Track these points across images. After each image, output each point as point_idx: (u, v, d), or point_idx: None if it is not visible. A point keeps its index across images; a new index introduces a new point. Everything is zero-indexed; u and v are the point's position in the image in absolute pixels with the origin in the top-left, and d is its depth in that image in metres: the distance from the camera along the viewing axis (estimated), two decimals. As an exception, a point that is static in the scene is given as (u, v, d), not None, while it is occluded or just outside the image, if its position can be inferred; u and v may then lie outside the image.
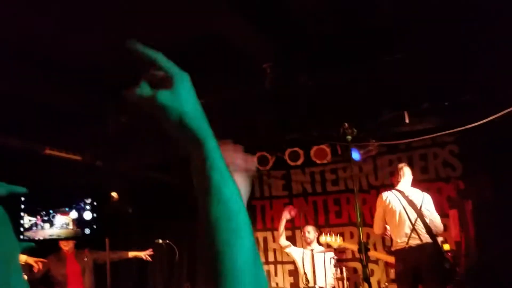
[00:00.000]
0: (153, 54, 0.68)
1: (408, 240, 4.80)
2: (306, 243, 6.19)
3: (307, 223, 6.64)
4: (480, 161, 5.68)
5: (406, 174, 5.14)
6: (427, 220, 4.88)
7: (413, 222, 4.84)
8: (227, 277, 0.65)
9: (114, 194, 4.57)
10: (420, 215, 4.86)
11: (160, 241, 5.72)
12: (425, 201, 4.98)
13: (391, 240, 5.17)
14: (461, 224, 5.62)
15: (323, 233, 5.97)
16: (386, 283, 5.75)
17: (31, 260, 4.83)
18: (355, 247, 6.04)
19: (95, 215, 0.66)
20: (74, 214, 0.66)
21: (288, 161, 6.43)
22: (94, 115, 4.98)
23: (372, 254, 5.97)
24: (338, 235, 6.03)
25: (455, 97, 5.18)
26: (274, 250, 7.23)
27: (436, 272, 4.62)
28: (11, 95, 4.16)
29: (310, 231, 6.19)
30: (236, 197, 0.71)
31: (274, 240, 7.30)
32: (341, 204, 7.02)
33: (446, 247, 5.08)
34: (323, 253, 5.98)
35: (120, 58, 4.00)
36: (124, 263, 6.37)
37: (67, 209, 0.67)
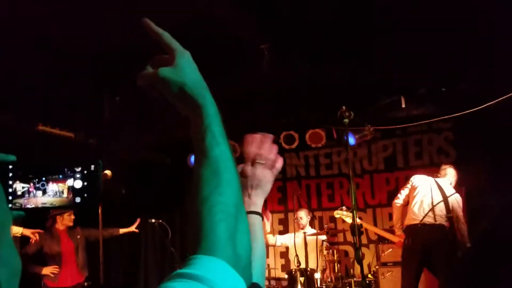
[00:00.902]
0: (161, 31, 0.78)
1: (423, 218, 4.79)
2: (299, 228, 6.22)
3: (300, 206, 6.66)
4: (475, 148, 5.70)
5: (449, 175, 5.13)
6: (450, 207, 4.87)
7: (434, 203, 4.83)
8: (203, 233, 0.66)
9: (107, 172, 4.52)
10: (445, 200, 4.85)
11: (153, 220, 5.69)
12: (454, 196, 4.97)
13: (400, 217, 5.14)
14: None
15: (339, 208, 5.94)
16: (377, 266, 5.81)
17: (27, 231, 4.75)
18: (367, 226, 6.02)
19: (85, 183, 0.65)
20: (69, 182, 0.65)
21: (283, 145, 6.41)
22: (90, 95, 4.92)
23: (369, 228, 5.97)
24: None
25: (452, 83, 5.17)
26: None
27: (448, 261, 4.59)
28: (8, 72, 4.10)
29: (303, 217, 6.22)
30: (225, 156, 0.73)
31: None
32: (334, 188, 7.04)
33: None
34: (315, 236, 6.01)
35: (117, 40, 3.96)
36: (116, 242, 6.38)
37: (60, 176, 0.66)
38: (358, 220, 5.76)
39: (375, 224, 6.67)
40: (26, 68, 4.28)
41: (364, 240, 6.32)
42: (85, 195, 0.80)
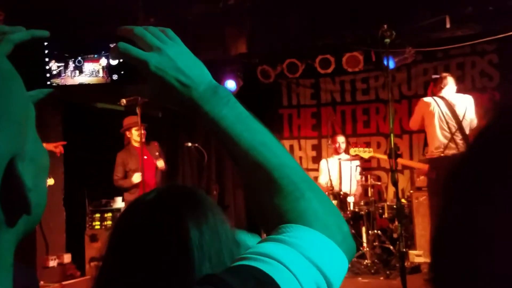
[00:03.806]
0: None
1: (444, 149, 4.70)
2: (336, 153, 6.23)
3: (335, 132, 6.62)
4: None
5: (450, 83, 4.89)
6: (467, 131, 4.75)
7: (452, 131, 4.70)
8: (287, 207, 0.65)
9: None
10: (460, 126, 4.70)
11: (190, 144, 5.79)
12: (468, 108, 4.80)
13: (424, 146, 5.07)
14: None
15: (353, 146, 5.92)
16: (411, 191, 5.82)
17: (50, 146, 4.48)
18: (385, 157, 6.05)
19: (121, 60, 0.64)
20: (104, 61, 0.64)
21: (319, 69, 6.28)
22: (124, 13, 4.86)
23: (401, 161, 5.96)
24: (368, 146, 6.00)
25: (500, 1, 4.87)
26: (300, 158, 7.32)
27: None
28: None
29: (344, 142, 6.25)
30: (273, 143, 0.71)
31: (300, 148, 7.37)
32: (370, 114, 6.94)
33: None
34: (349, 161, 6.02)
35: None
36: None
37: (95, 56, 0.65)
38: (368, 152, 5.76)
39: (411, 150, 6.62)
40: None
41: (399, 165, 6.30)
42: (122, 72, 0.76)
